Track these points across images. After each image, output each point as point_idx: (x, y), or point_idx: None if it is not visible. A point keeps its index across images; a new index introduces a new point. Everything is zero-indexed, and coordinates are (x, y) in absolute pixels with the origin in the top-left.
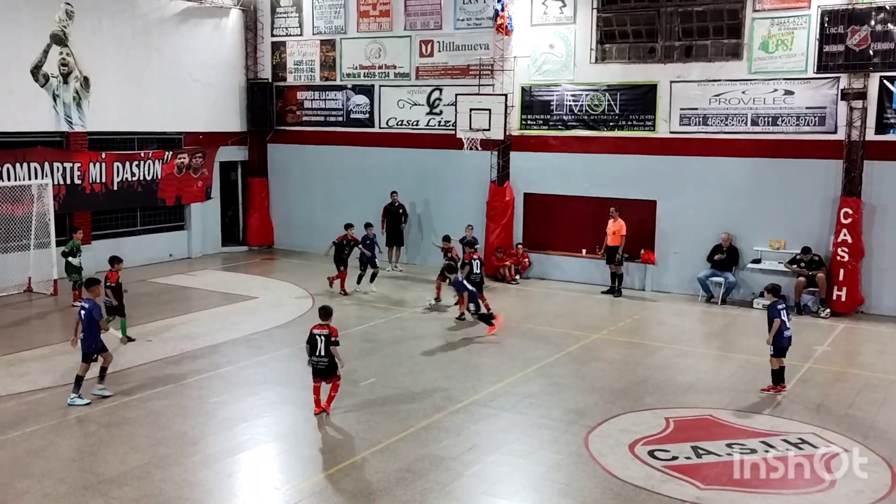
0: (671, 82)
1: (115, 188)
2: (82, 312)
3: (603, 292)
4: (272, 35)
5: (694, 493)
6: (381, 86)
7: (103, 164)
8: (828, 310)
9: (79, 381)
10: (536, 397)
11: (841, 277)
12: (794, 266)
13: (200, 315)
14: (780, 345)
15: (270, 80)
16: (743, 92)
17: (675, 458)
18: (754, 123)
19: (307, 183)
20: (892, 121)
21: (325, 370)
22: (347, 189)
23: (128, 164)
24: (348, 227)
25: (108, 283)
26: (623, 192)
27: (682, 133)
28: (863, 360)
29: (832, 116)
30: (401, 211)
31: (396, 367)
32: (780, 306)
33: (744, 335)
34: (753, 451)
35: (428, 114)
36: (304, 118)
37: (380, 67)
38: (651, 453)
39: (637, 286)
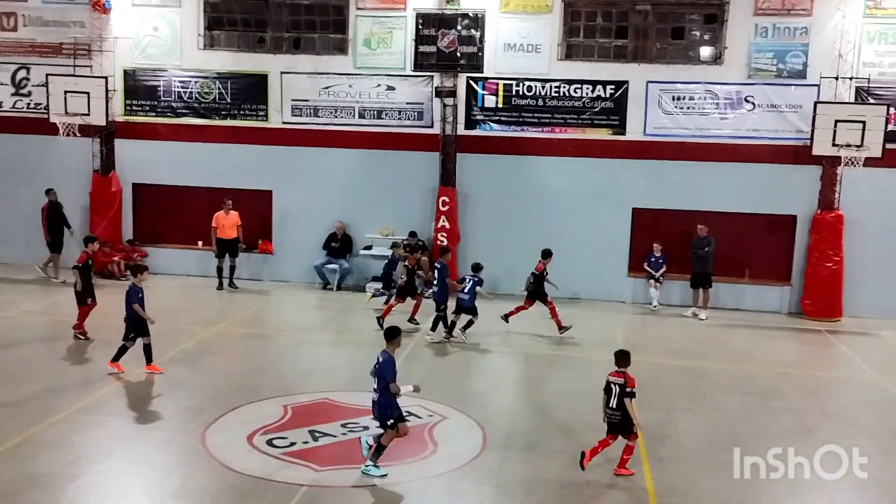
0: (282, 73)
1: None
2: (376, 366)
3: (218, 288)
4: None
5: (311, 476)
6: None
7: None
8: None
9: (380, 448)
10: (150, 398)
11: None
12: (401, 251)
13: None
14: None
15: None
16: (350, 86)
17: (292, 444)
18: (361, 116)
19: None
20: (479, 118)
21: (618, 424)
22: None
23: None
24: (89, 241)
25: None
26: (239, 183)
27: (295, 124)
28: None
29: (429, 112)
30: (62, 210)
31: None
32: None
33: (358, 319)
34: (366, 427)
35: (14, 95)
36: None
37: None
38: (269, 442)
39: (254, 276)
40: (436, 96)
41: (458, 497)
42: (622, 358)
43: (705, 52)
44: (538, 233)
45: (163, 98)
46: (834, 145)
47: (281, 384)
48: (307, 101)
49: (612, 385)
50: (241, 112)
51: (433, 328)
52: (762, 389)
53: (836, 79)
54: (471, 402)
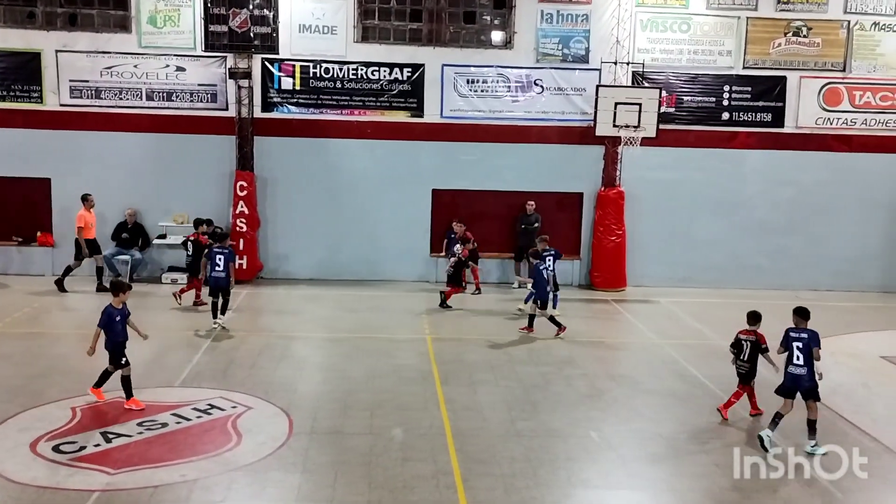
0: (57, 51)
1: None
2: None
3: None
4: None
5: (104, 480)
6: None
7: None
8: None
9: (811, 424)
10: None
11: (241, 247)
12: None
13: None
14: (541, 297)
15: None
16: (135, 66)
17: (82, 448)
18: (149, 98)
19: None
20: (275, 100)
21: (745, 374)
22: None
23: None
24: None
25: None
26: (9, 170)
27: (75, 106)
28: (263, 323)
29: (223, 94)
30: None
31: None
32: (541, 266)
33: (151, 311)
34: (165, 424)
35: None
36: None
37: None
38: (56, 448)
39: (35, 272)
40: (230, 78)
41: (264, 487)
42: (754, 318)
43: (496, 36)
44: (340, 215)
45: None
46: (614, 126)
47: (68, 385)
48: (87, 81)
49: (744, 342)
50: (11, 94)
51: (223, 312)
52: (557, 359)
53: (615, 64)
54: (275, 389)
